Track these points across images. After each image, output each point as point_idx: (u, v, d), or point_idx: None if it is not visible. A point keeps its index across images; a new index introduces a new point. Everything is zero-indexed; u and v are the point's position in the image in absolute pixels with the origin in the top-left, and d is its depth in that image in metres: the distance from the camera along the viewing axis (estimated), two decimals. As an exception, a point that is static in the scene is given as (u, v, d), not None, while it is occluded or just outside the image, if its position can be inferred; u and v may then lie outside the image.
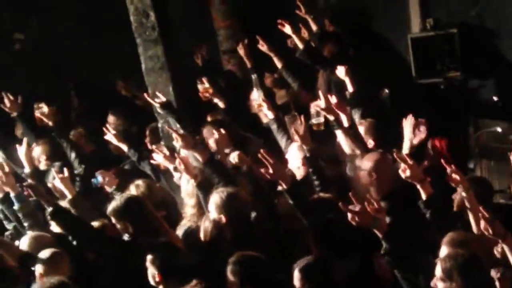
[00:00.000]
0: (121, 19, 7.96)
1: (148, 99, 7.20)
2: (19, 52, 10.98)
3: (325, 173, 5.98)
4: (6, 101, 7.66)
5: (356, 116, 6.81)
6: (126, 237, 5.72)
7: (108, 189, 6.72)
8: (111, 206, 5.78)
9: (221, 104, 7.44)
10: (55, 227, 5.97)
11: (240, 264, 4.79)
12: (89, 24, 10.75)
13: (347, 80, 7.07)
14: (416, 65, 9.48)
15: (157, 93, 7.20)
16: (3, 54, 10.86)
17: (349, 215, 4.60)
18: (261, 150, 5.56)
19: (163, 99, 7.07)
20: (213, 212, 5.53)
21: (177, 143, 6.29)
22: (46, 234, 5.97)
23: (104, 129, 7.20)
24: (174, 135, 6.29)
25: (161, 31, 7.55)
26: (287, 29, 7.97)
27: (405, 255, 4.59)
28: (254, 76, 8.15)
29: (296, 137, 6.06)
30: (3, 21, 10.93)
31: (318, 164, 5.97)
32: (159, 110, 7.16)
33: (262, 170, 5.52)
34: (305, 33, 8.29)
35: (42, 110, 7.57)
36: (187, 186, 6.09)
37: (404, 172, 4.99)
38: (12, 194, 6.37)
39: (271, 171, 5.43)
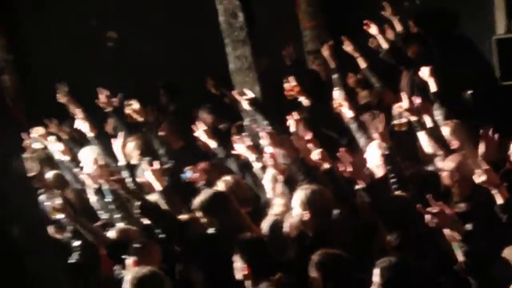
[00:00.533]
0: (210, 19, 8.09)
1: (237, 96, 7.28)
2: (111, 50, 11.29)
3: (403, 172, 5.96)
4: (101, 96, 7.92)
5: (440, 117, 6.79)
6: (211, 230, 5.79)
7: (197, 184, 6.82)
8: (197, 201, 5.85)
9: (305, 103, 7.50)
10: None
11: (323, 261, 4.80)
12: (178, 24, 10.95)
13: (431, 81, 7.02)
14: (501, 67, 9.34)
15: (245, 90, 7.25)
16: (96, 52, 11.20)
17: (427, 217, 4.56)
18: (341, 149, 5.61)
19: (252, 95, 7.14)
20: (297, 208, 5.57)
21: (264, 140, 6.38)
22: (132, 227, 6.12)
23: (195, 126, 7.27)
24: (261, 132, 6.38)
25: (249, 31, 7.63)
26: (373, 29, 7.95)
27: (483, 260, 4.49)
28: (336, 76, 8.20)
29: (375, 135, 6.06)
30: (96, 20, 11.25)
31: (396, 162, 5.95)
32: (247, 107, 7.23)
33: (341, 168, 5.58)
34: (389, 34, 8.28)
35: (133, 106, 7.80)
36: (273, 184, 6.18)
37: (480, 177, 4.87)
38: (105, 187, 6.51)
39: (350, 169, 5.48)
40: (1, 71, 10.99)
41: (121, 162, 6.97)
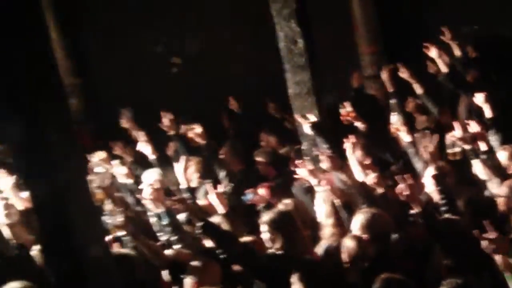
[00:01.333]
0: (271, 45, 8.19)
1: (299, 119, 7.34)
2: (176, 75, 11.49)
3: (454, 194, 5.92)
4: (164, 120, 8.09)
5: (496, 142, 6.74)
6: (272, 251, 5.83)
7: (259, 205, 6.88)
8: (267, 216, 5.90)
9: (361, 127, 7.52)
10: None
11: (387, 286, 4.80)
12: (240, 49, 11.09)
13: (486, 107, 7.01)
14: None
15: (307, 115, 7.31)
16: (161, 76, 11.40)
17: (484, 242, 4.55)
18: (399, 172, 5.60)
19: (314, 119, 7.19)
20: (356, 232, 5.58)
21: (324, 164, 6.39)
22: (184, 250, 6.19)
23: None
24: (321, 156, 6.41)
25: (308, 57, 7.69)
26: (433, 53, 7.94)
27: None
28: (393, 101, 8.19)
29: (425, 154, 6.03)
30: (161, 46, 11.46)
31: (446, 183, 5.93)
32: (308, 131, 7.27)
33: (399, 191, 5.58)
34: (447, 58, 8.26)
35: (195, 130, 7.94)
36: (324, 207, 6.21)
37: None
38: (161, 210, 6.55)
39: (408, 192, 5.48)
40: (69, 95, 11.22)
41: (183, 185, 7.05)
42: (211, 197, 6.28)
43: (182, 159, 7.25)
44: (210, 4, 11.28)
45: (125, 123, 8.56)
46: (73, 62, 11.75)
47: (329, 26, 10.43)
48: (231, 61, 11.15)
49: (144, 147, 7.98)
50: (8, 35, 4.62)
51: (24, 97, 4.69)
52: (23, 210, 6.69)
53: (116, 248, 6.51)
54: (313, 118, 7.18)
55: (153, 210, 6.60)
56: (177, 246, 6.33)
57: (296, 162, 6.89)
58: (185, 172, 7.26)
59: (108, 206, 7.09)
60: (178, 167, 7.16)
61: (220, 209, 6.24)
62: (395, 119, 7.90)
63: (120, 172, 7.78)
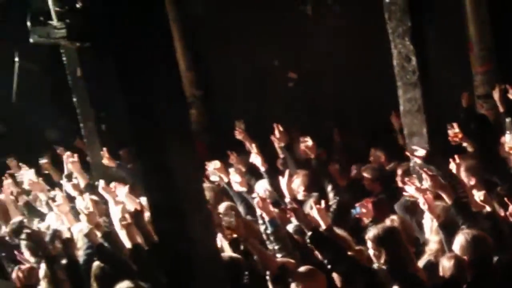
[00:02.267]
0: (384, 62, 8.25)
1: (409, 154, 7.37)
2: (290, 89, 11.68)
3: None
4: (276, 132, 8.28)
5: None
6: (376, 265, 5.88)
7: (365, 220, 6.96)
8: (371, 232, 5.93)
9: (469, 148, 7.45)
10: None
11: None
12: (353, 66, 11.18)
13: None
14: None
15: (416, 147, 7.33)
16: (275, 90, 11.61)
17: None
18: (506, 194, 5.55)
19: (422, 152, 7.21)
20: (456, 252, 5.55)
21: (426, 182, 6.43)
22: (290, 260, 6.24)
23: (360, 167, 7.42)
24: (424, 175, 6.45)
25: (420, 75, 7.70)
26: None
27: None
28: (508, 120, 8.05)
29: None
30: (278, 61, 11.68)
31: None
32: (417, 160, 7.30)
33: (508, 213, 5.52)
34: None
35: (306, 143, 8.09)
36: (431, 223, 6.20)
37: None
38: (267, 219, 6.64)
39: None
40: (190, 105, 11.53)
41: (288, 198, 7.21)
42: (314, 211, 6.36)
43: (287, 172, 7.38)
44: (325, 20, 11.42)
45: (238, 134, 8.80)
46: (195, 74, 12.08)
47: (443, 45, 10.37)
48: (345, 76, 11.23)
49: (255, 158, 8.19)
50: (138, 47, 4.90)
51: (148, 105, 4.97)
52: (133, 212, 6.96)
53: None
54: (420, 151, 7.14)
55: (262, 219, 6.78)
56: (279, 255, 6.43)
57: (404, 179, 6.92)
58: (290, 185, 7.33)
59: (221, 208, 7.36)
60: (283, 180, 7.26)
61: (322, 224, 6.30)
62: (508, 138, 7.80)
63: (235, 180, 8.00)
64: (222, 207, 7.41)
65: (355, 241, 6.50)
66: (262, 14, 11.18)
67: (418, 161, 7.07)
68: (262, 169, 8.12)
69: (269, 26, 11.35)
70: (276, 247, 6.52)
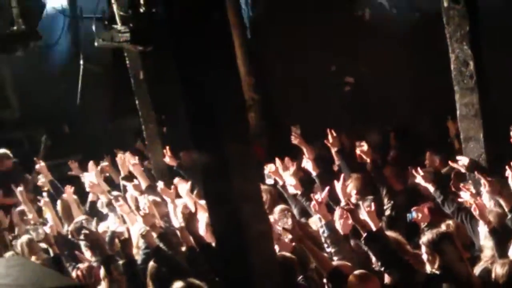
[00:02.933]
0: (441, 66, 8.20)
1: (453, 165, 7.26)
2: (347, 94, 11.69)
3: None
4: (329, 137, 8.32)
5: None
6: (430, 270, 5.86)
7: (421, 225, 6.92)
8: (426, 237, 5.91)
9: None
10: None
11: None
12: (409, 71, 11.13)
13: None
14: None
15: (460, 157, 7.26)
16: (332, 95, 11.63)
17: None
18: None
19: (465, 162, 7.13)
20: (511, 259, 5.52)
21: (484, 188, 6.37)
22: (347, 262, 6.27)
23: (416, 170, 7.36)
24: (482, 180, 6.39)
25: (478, 79, 7.64)
26: None
27: None
28: None
29: None
30: (335, 66, 11.70)
31: None
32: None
33: None
34: None
35: (362, 148, 8.08)
36: (485, 229, 6.15)
37: None
38: (323, 222, 6.69)
39: None
40: (248, 109, 11.61)
41: (342, 201, 7.21)
42: (364, 214, 6.35)
43: (342, 177, 7.40)
44: (382, 24, 11.40)
45: (294, 139, 8.85)
46: (254, 79, 12.16)
47: (502, 49, 10.25)
48: (400, 81, 11.19)
49: (307, 163, 8.23)
50: (199, 51, 5.00)
51: (208, 108, 5.06)
52: (186, 215, 7.04)
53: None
54: (464, 161, 7.06)
55: (319, 222, 6.81)
56: (335, 258, 6.46)
57: (459, 185, 6.89)
58: (344, 189, 7.35)
59: (276, 211, 7.41)
60: (338, 184, 7.28)
61: (372, 226, 6.27)
62: None
63: (290, 183, 8.05)
64: (277, 209, 7.46)
65: (410, 245, 6.47)
66: (320, 19, 11.22)
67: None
68: (314, 173, 8.16)
69: (327, 31, 11.38)
70: (333, 250, 6.54)
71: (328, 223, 6.62)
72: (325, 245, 6.64)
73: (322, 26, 11.32)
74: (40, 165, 10.33)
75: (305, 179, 8.45)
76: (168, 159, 9.85)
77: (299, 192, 7.91)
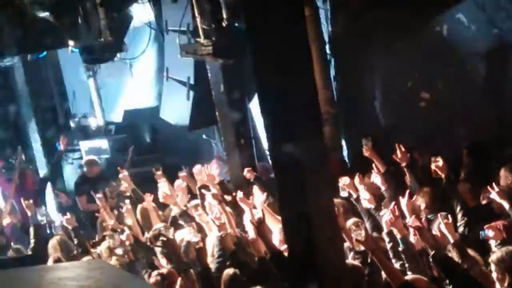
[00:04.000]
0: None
1: None
2: (423, 109, 11.56)
3: None
4: (398, 152, 8.28)
5: None
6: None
7: (493, 242, 6.77)
8: (496, 255, 5.85)
9: None
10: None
11: None
12: (487, 88, 10.95)
13: None
14: None
15: None
16: (410, 109, 11.50)
17: None
18: None
19: None
20: None
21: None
22: (422, 277, 6.18)
23: (491, 187, 7.25)
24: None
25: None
26: None
27: None
28: None
29: None
30: (411, 82, 11.60)
31: None
32: None
33: None
34: None
35: (437, 163, 7.98)
36: None
37: None
38: (398, 236, 6.63)
39: None
40: (324, 122, 11.60)
41: (408, 217, 7.16)
42: (442, 226, 6.27)
43: (407, 193, 7.35)
44: (459, 41, 11.26)
45: (366, 151, 8.81)
46: (331, 93, 12.14)
47: None
48: (478, 97, 11.00)
49: (375, 177, 8.19)
50: (278, 65, 5.06)
51: (285, 121, 5.11)
52: (256, 222, 7.08)
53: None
54: None
55: (389, 237, 6.75)
56: (410, 273, 6.38)
57: None
58: (410, 205, 7.26)
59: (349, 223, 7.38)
60: (403, 199, 7.21)
61: (450, 238, 6.20)
62: None
63: (364, 197, 8.01)
64: (350, 222, 7.44)
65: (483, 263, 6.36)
66: (397, 35, 11.14)
67: None
68: (382, 188, 8.11)
69: (404, 47, 11.30)
70: (407, 265, 6.47)
71: (404, 237, 6.55)
72: (394, 260, 6.59)
73: (400, 42, 11.23)
74: (123, 174, 10.54)
75: (379, 193, 8.40)
76: (246, 172, 9.92)
77: (372, 206, 7.86)
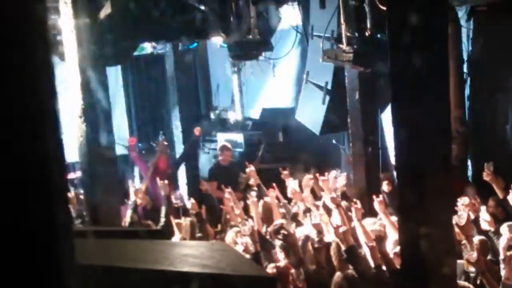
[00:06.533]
0: None
1: None
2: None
3: None
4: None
5: None
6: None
7: None
8: None
9: None
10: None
11: None
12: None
13: None
14: None
15: None
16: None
17: None
18: None
19: None
20: None
21: None
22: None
23: None
24: None
25: None
26: None
27: None
28: None
29: None
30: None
31: None
32: None
33: None
34: None
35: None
36: None
37: None
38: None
39: None
40: (452, 140, 11.33)
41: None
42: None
43: None
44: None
45: (486, 176, 8.57)
46: (463, 112, 11.86)
47: None
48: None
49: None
50: (415, 80, 5.00)
51: (414, 134, 5.04)
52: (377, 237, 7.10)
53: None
54: None
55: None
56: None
57: None
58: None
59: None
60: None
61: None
62: None
63: (485, 218, 7.78)
64: (476, 239, 7.28)
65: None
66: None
67: None
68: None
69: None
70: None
71: None
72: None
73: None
74: (250, 169, 10.72)
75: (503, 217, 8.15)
76: (384, 185, 9.90)
77: (492, 229, 7.62)
